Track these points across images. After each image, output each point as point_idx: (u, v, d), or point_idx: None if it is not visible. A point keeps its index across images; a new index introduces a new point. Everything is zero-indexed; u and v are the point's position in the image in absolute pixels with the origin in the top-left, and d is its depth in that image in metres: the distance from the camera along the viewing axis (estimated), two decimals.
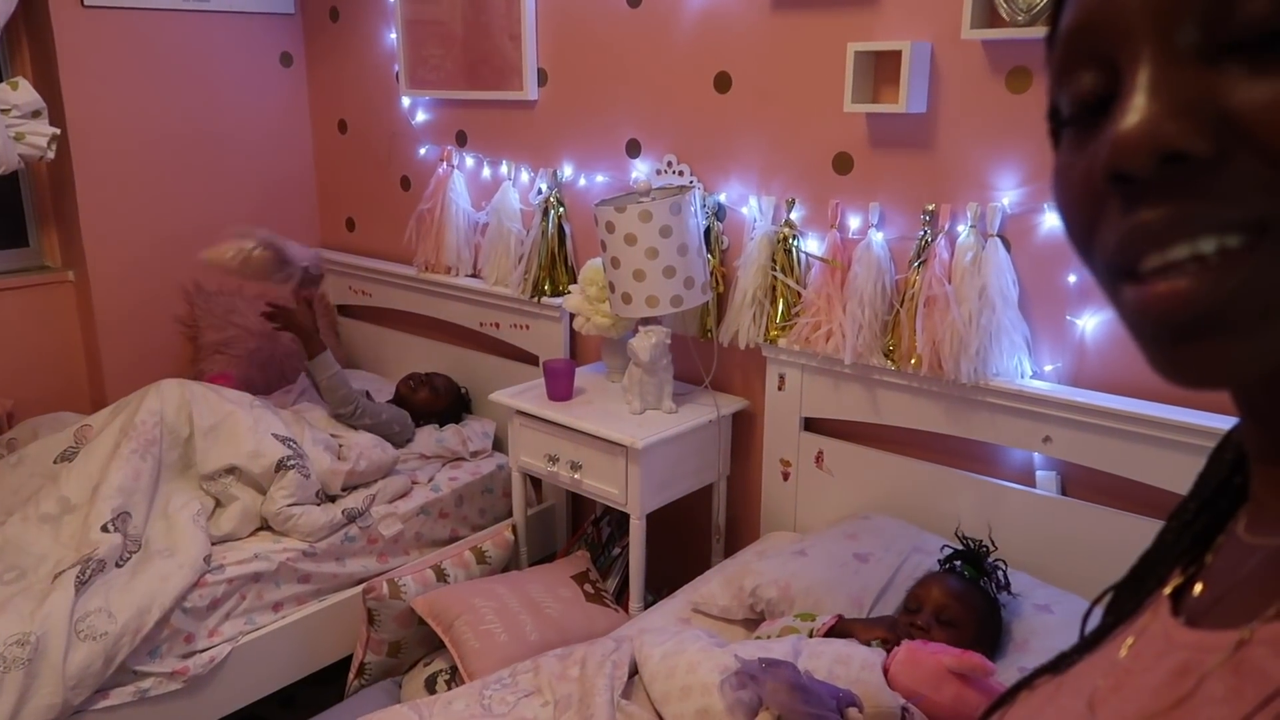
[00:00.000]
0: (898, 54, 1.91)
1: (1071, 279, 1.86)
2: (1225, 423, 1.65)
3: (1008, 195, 1.90)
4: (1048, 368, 1.92)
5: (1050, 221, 1.86)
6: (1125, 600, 0.48)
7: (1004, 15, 1.78)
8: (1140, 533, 1.77)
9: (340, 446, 2.47)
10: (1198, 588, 0.43)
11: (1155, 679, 0.39)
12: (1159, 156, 0.32)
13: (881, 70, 1.99)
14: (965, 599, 1.66)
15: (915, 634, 1.62)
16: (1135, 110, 0.32)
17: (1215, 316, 0.32)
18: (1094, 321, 1.85)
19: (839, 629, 1.67)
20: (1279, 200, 0.31)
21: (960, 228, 1.94)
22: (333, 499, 2.40)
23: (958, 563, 1.75)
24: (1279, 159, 0.31)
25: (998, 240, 1.88)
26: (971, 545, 1.77)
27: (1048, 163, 1.82)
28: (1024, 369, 1.93)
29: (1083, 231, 0.37)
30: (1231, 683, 0.35)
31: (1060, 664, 0.49)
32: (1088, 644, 0.49)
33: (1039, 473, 1.96)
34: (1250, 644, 0.36)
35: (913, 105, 1.93)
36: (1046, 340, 1.92)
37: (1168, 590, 0.44)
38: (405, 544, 2.49)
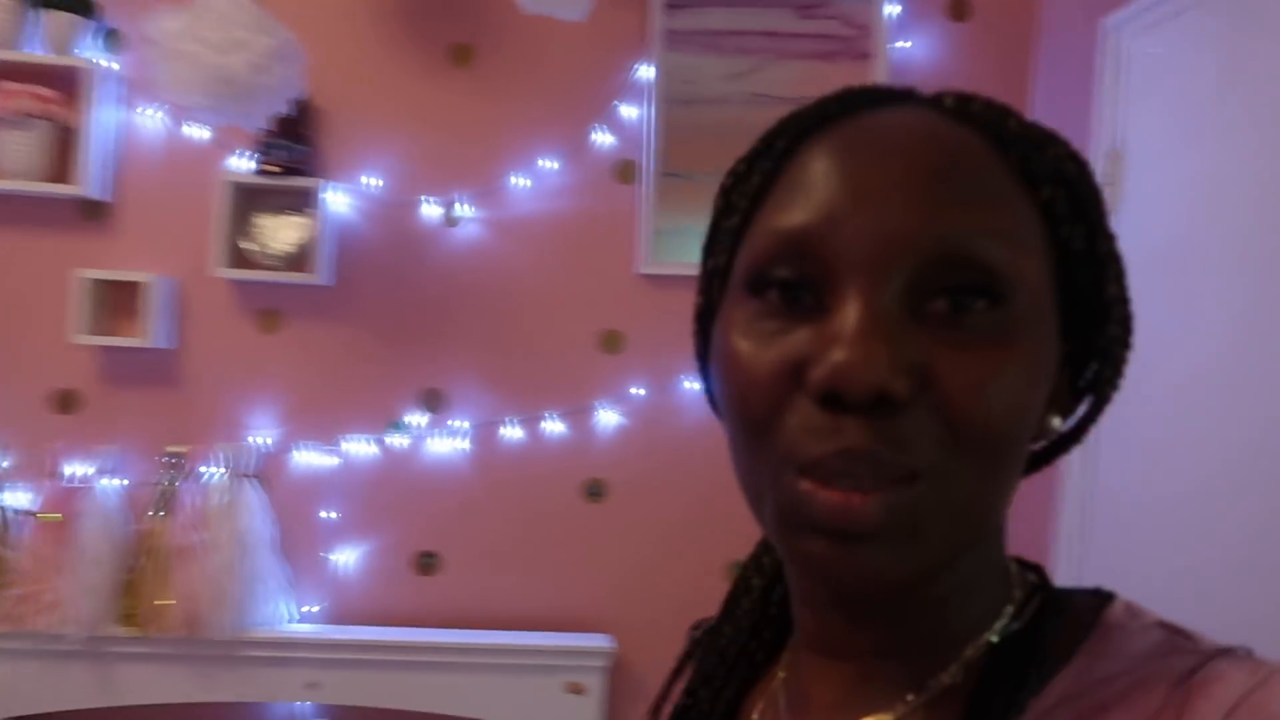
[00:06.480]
0: (136, 285, 1.79)
1: (326, 514, 1.88)
2: (484, 638, 1.80)
3: (262, 435, 1.87)
4: (311, 609, 1.88)
5: (304, 459, 1.88)
6: None
7: (254, 259, 1.81)
8: None
9: None
10: None
11: None
12: (875, 395, 0.35)
13: (120, 301, 1.84)
14: None
15: None
16: (856, 344, 0.36)
17: (870, 533, 0.37)
18: (347, 556, 1.89)
19: None
20: (937, 456, 0.37)
21: (211, 470, 1.82)
22: None
23: None
24: (952, 421, 0.36)
25: (253, 481, 1.82)
26: None
27: (302, 403, 1.87)
28: (288, 613, 1.85)
29: (764, 412, 0.38)
30: None
31: None
32: None
33: None
34: None
35: (159, 340, 1.81)
36: (307, 579, 1.88)
37: None
38: None
